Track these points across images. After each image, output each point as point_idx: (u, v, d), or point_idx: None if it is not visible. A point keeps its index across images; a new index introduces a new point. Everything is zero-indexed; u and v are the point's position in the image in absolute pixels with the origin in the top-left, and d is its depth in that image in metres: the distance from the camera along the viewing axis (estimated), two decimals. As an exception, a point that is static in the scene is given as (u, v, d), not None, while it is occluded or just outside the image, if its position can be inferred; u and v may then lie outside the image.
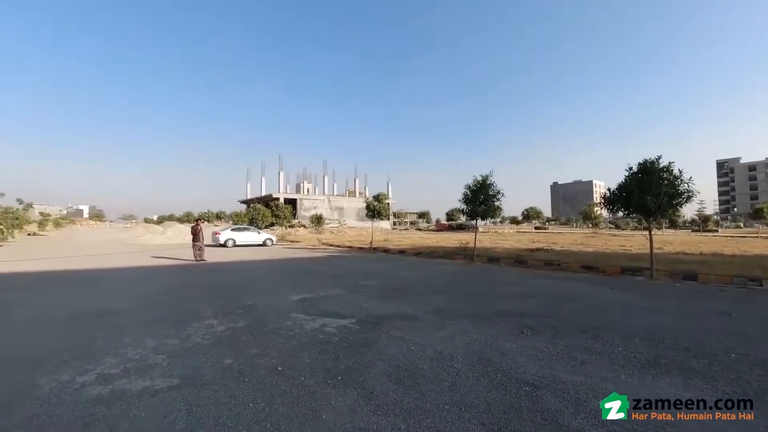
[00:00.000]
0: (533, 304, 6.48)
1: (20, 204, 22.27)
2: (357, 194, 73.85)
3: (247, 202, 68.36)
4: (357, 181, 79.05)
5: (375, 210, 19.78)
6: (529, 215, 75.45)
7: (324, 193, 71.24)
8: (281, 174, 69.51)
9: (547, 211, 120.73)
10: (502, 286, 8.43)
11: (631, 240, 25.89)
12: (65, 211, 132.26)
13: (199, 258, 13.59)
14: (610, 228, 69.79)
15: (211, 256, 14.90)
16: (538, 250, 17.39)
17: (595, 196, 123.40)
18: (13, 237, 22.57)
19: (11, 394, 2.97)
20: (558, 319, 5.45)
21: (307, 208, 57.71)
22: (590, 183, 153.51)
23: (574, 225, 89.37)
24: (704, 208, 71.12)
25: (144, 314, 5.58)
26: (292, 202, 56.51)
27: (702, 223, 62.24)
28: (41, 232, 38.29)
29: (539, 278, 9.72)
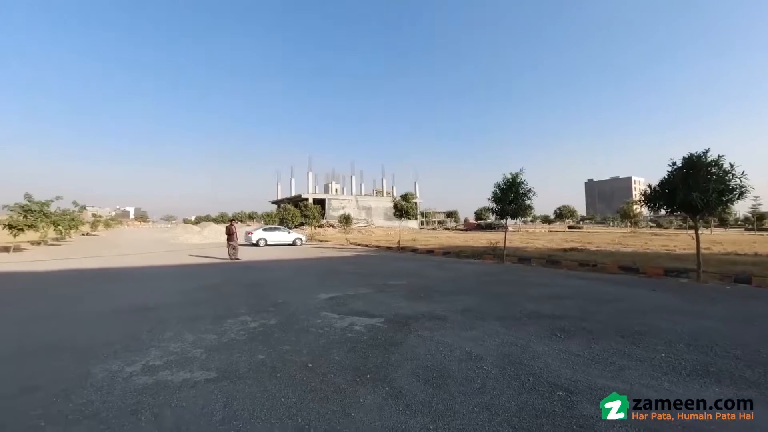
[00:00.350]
0: (567, 306, 6.25)
1: (76, 206, 24.15)
2: (384, 194, 74.13)
3: (277, 202, 70.36)
4: (384, 180, 79.39)
5: (402, 209, 19.77)
6: (562, 214, 72.40)
7: (352, 193, 72.02)
8: (310, 175, 71.00)
9: (581, 210, 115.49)
10: (533, 286, 8.18)
11: (675, 239, 24.35)
12: (114, 213, 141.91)
13: (233, 257, 14.14)
14: (650, 227, 65.96)
15: (245, 255, 15.45)
16: (572, 249, 16.72)
17: (634, 193, 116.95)
18: (69, 237, 24.53)
19: (70, 381, 3.24)
20: (594, 322, 5.22)
21: (335, 208, 58.59)
22: (629, 179, 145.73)
23: (611, 224, 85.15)
24: (759, 204, 65.41)
25: (184, 310, 5.88)
26: (320, 203, 57.57)
27: (756, 222, 57.44)
28: (93, 232, 41.30)
29: (573, 279, 9.35)
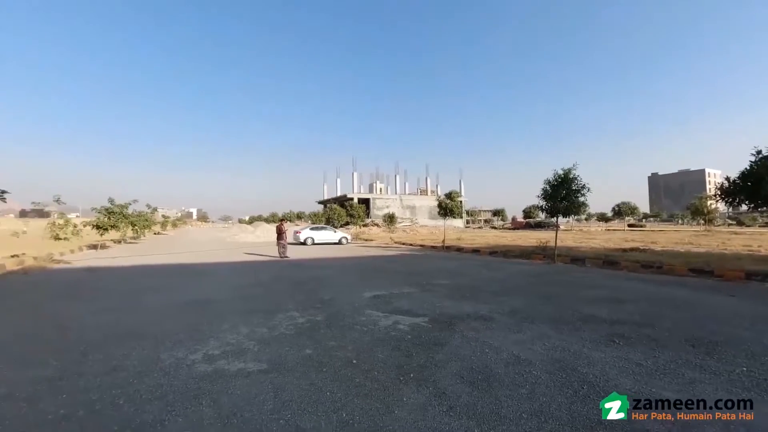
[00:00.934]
0: (627, 310, 5.77)
1: (149, 208, 27.00)
2: (429, 193, 73.54)
3: (323, 202, 72.53)
4: (428, 179, 78.76)
5: (447, 208, 19.47)
6: (621, 211, 66.19)
7: (396, 193, 72.23)
8: (355, 175, 72.32)
9: (643, 207, 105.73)
10: (587, 288, 7.66)
11: (759, 239, 21.42)
12: (180, 214, 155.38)
13: (282, 255, 14.82)
14: (729, 225, 58.84)
15: (293, 253, 16.14)
16: (633, 249, 15.39)
17: (708, 187, 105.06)
18: (144, 236, 27.32)
19: (144, 365, 3.61)
20: (659, 328, 4.78)
21: (379, 208, 59.15)
22: (701, 172, 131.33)
23: (680, 222, 77.09)
24: None
25: (239, 304, 6.29)
26: (365, 202, 58.36)
27: None
28: (163, 232, 45.52)
29: (634, 282, 8.61)
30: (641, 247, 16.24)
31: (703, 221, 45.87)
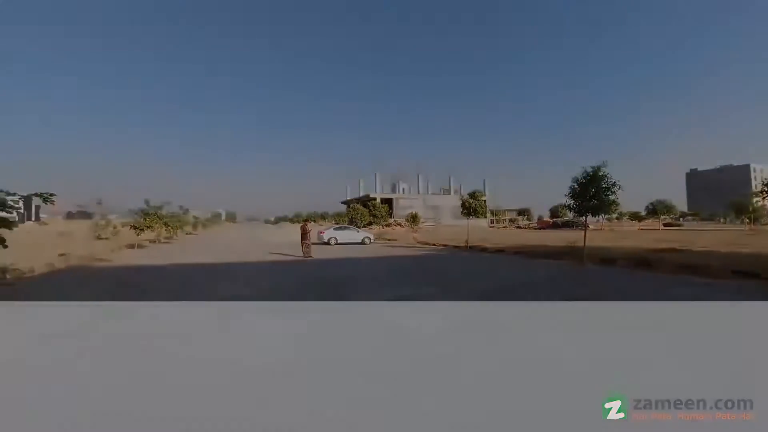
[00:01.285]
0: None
1: (181, 210, 28.23)
2: (452, 192, 72.94)
3: (347, 202, 73.38)
4: (452, 179, 78.14)
5: (471, 208, 19.27)
6: (656, 210, 62.60)
7: (419, 192, 72.07)
8: (377, 175, 72.81)
9: (681, 205, 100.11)
10: (618, 292, 7.41)
11: (815, 239, 19.88)
12: (210, 215, 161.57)
13: (307, 255, 15.11)
14: (778, 224, 54.82)
15: (317, 252, 16.42)
16: (669, 250, 14.65)
17: (753, 183, 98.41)
18: (176, 236, 28.63)
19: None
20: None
21: (402, 207, 59.25)
22: (746, 168, 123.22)
23: (721, 221, 72.61)
24: None
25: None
26: (388, 202, 58.61)
27: None
28: (194, 232, 47.41)
29: (670, 285, 8.23)
30: (678, 248, 15.45)
31: (747, 220, 43.02)
